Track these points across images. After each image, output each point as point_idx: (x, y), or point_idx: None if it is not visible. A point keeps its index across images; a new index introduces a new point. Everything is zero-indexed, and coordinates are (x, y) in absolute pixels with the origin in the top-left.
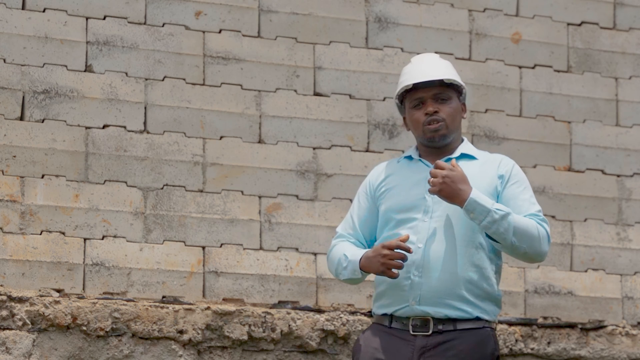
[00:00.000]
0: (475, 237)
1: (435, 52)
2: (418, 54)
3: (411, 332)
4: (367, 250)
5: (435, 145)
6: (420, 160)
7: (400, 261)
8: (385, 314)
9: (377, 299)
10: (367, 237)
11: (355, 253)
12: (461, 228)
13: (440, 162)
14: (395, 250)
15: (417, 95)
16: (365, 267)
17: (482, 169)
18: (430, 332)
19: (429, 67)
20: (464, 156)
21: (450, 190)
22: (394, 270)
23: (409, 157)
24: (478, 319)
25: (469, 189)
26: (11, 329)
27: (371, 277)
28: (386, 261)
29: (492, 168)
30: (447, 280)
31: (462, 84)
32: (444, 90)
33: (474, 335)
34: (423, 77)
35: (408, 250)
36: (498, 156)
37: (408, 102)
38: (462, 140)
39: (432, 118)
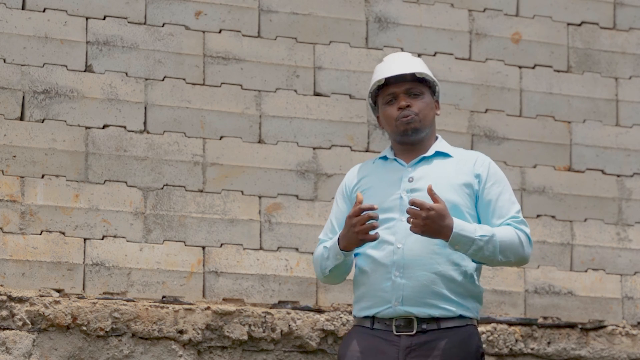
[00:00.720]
0: None
1: (435, 52)
2: (418, 54)
3: (395, 333)
4: (338, 234)
5: (409, 141)
6: (395, 159)
7: (374, 220)
8: (367, 316)
9: (358, 301)
10: None
11: (332, 241)
12: None
13: (417, 200)
14: (362, 214)
15: (389, 91)
16: (345, 245)
17: (457, 167)
18: (415, 331)
19: (401, 63)
20: (438, 154)
21: (433, 230)
22: (373, 232)
23: (384, 158)
24: (461, 317)
25: (451, 222)
26: (11, 329)
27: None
28: (359, 227)
29: (468, 166)
30: (428, 279)
31: (434, 79)
32: (416, 85)
33: (458, 333)
34: (394, 71)
35: (372, 208)
36: (473, 154)
37: (381, 99)
38: (437, 138)
39: (404, 112)
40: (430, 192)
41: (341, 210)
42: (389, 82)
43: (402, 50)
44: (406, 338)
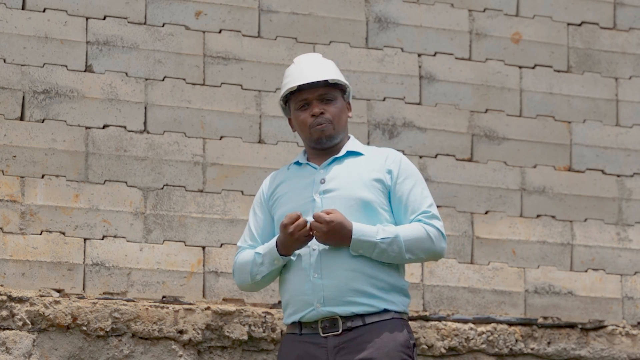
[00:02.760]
0: None
1: (435, 52)
2: (418, 54)
3: (322, 335)
4: (272, 239)
5: (323, 147)
6: (307, 163)
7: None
8: (294, 322)
9: (284, 308)
10: None
11: (266, 246)
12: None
13: (318, 214)
14: (295, 223)
15: (302, 97)
16: (285, 251)
17: (368, 164)
18: (341, 330)
19: (312, 68)
20: (350, 154)
21: (334, 239)
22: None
23: (298, 163)
24: (386, 310)
25: (350, 228)
26: (11, 329)
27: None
28: (297, 233)
29: (379, 162)
30: (347, 277)
31: (346, 83)
32: (328, 90)
33: (384, 326)
34: (307, 78)
35: (298, 217)
36: (385, 150)
37: (293, 103)
38: (349, 138)
39: (318, 120)
40: (328, 213)
41: (259, 218)
42: (302, 87)
43: (402, 50)
44: (333, 338)
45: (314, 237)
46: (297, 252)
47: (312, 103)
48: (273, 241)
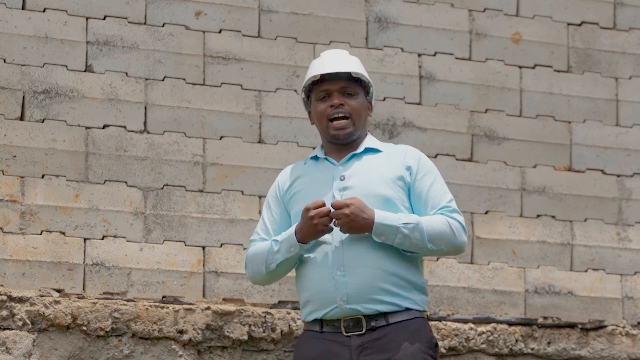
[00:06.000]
0: None
1: (435, 52)
2: (418, 54)
3: (344, 334)
4: (293, 226)
5: (340, 143)
6: (325, 158)
7: (327, 217)
8: (315, 320)
9: (304, 305)
10: None
11: (285, 233)
12: None
13: (335, 201)
14: (319, 208)
15: (323, 88)
16: (302, 237)
17: (387, 160)
18: (364, 330)
19: (337, 60)
20: (368, 150)
21: (357, 224)
22: (330, 225)
23: (315, 158)
24: (408, 309)
25: (372, 213)
26: (11, 329)
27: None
28: (318, 219)
29: (398, 159)
30: (371, 275)
31: (369, 80)
32: (351, 84)
33: (407, 326)
34: (330, 68)
35: (323, 204)
36: (403, 147)
37: (314, 95)
38: (366, 135)
39: (337, 110)
40: (336, 202)
41: (274, 212)
42: (324, 78)
43: (402, 50)
44: (356, 338)
45: (337, 227)
46: (319, 248)
47: (332, 95)
48: (292, 228)
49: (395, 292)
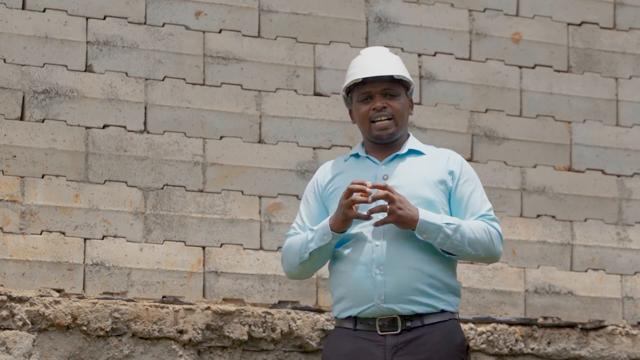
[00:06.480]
0: None
1: (435, 52)
2: (418, 54)
3: (379, 333)
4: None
5: (383, 142)
6: (367, 157)
7: (361, 196)
8: (349, 317)
9: (338, 301)
10: None
11: (320, 224)
12: None
13: (378, 182)
14: (354, 195)
15: (365, 90)
16: (335, 224)
17: (430, 163)
18: (399, 330)
19: (378, 61)
20: (411, 152)
21: (406, 215)
22: (365, 212)
23: (356, 155)
24: (443, 311)
25: (416, 210)
26: (11, 329)
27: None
28: (344, 201)
29: (441, 163)
30: (409, 275)
31: (410, 79)
32: (392, 85)
33: (442, 328)
34: (372, 72)
35: (364, 183)
36: (446, 151)
37: (356, 95)
38: (408, 136)
39: (380, 113)
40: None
41: (312, 207)
42: (366, 80)
43: (402, 50)
44: (391, 337)
45: (378, 213)
46: (357, 245)
47: (374, 97)
48: (327, 218)
49: (432, 293)
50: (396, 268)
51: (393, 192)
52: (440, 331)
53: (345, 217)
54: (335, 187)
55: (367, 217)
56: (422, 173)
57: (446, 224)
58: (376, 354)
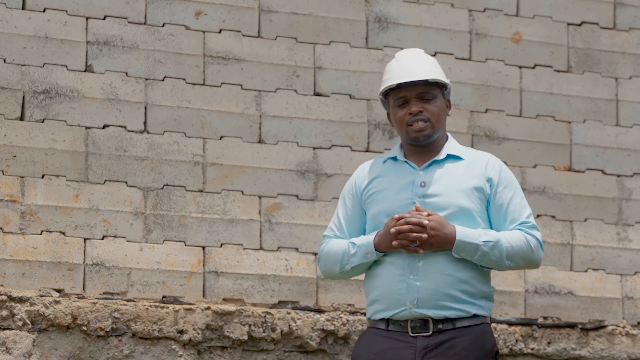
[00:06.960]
0: None
1: (435, 52)
2: None
3: (410, 334)
4: (373, 233)
5: (420, 144)
6: (405, 162)
7: (410, 233)
8: (382, 319)
9: (371, 303)
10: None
11: (363, 238)
12: None
13: (413, 219)
14: (406, 221)
15: (400, 94)
16: (379, 244)
17: (468, 169)
18: (431, 332)
19: (413, 65)
20: (449, 157)
21: (439, 240)
22: (412, 246)
23: (394, 158)
24: (475, 315)
25: (453, 229)
26: (11, 329)
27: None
28: (401, 240)
29: (479, 169)
30: (443, 281)
31: (447, 81)
32: (428, 89)
33: (473, 332)
34: (407, 77)
35: (403, 217)
36: (484, 156)
37: (392, 99)
38: (447, 138)
39: (416, 118)
40: (419, 209)
41: (349, 209)
42: (401, 85)
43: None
44: (422, 339)
45: (420, 246)
46: (394, 250)
47: (410, 101)
48: (372, 235)
49: (464, 299)
50: (430, 273)
51: (428, 221)
52: (470, 335)
53: (390, 245)
54: (374, 191)
55: (416, 251)
56: (460, 180)
57: (484, 242)
58: (406, 355)
